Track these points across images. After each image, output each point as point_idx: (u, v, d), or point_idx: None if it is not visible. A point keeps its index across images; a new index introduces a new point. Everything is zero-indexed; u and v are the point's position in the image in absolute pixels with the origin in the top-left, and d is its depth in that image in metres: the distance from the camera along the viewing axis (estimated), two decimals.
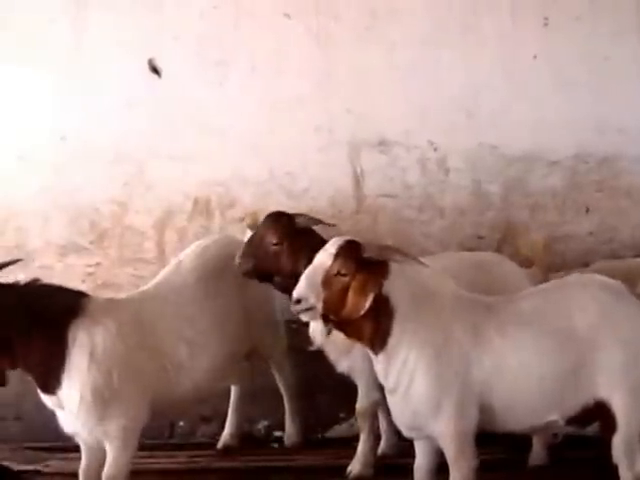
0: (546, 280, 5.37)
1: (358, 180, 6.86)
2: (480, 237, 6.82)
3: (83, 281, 6.55)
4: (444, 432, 4.64)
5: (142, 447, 5.28)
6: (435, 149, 6.86)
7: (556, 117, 6.79)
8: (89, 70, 6.78)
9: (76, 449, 5.26)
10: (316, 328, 4.71)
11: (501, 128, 6.83)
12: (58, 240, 6.75)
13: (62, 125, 6.78)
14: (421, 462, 4.84)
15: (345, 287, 4.50)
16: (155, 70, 6.80)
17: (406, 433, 4.79)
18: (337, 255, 4.51)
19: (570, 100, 6.84)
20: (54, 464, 5.99)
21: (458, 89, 6.85)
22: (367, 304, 4.47)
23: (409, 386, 4.62)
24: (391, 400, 4.73)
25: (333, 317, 4.55)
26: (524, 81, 6.85)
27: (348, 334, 4.67)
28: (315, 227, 5.63)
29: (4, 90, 6.78)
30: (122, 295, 5.59)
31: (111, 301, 5.30)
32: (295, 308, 4.54)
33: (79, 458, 5.19)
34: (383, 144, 6.85)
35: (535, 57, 6.88)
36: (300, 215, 5.67)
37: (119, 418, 5.00)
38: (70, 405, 4.96)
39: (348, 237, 4.63)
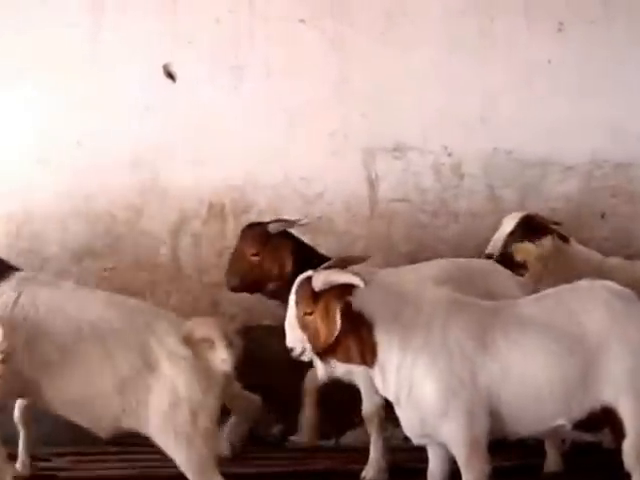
0: (536, 289, 5.35)
1: (373, 185, 6.87)
2: None
3: (98, 285, 6.54)
4: (454, 438, 4.60)
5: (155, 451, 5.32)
6: (449, 154, 6.87)
7: (571, 122, 6.81)
8: (105, 75, 6.79)
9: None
10: (318, 365, 4.83)
11: (516, 133, 6.84)
12: (74, 244, 6.75)
13: (78, 130, 6.78)
14: (434, 468, 4.81)
15: (316, 323, 4.57)
16: (170, 75, 6.82)
17: (417, 441, 4.75)
18: (296, 299, 4.61)
19: (585, 105, 6.85)
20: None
21: (472, 94, 6.85)
22: (337, 324, 4.50)
23: (409, 392, 4.61)
24: (398, 411, 4.71)
25: (322, 352, 4.63)
26: (539, 86, 6.87)
27: (341, 359, 4.71)
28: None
29: (22, 96, 6.78)
30: None
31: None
32: (292, 355, 4.69)
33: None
34: (398, 149, 6.86)
35: (550, 62, 6.89)
36: (273, 221, 5.90)
37: None
38: None
39: (303, 275, 4.65)
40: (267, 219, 6.68)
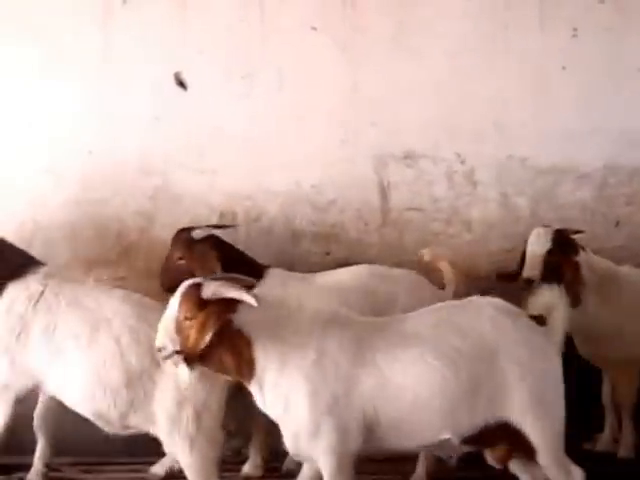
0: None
1: (384, 193, 6.83)
2: (509, 250, 6.76)
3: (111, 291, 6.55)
4: (323, 453, 4.59)
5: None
6: (462, 162, 6.82)
7: (585, 129, 6.76)
8: (115, 84, 6.78)
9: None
10: (182, 372, 4.81)
11: (529, 140, 6.79)
12: (84, 253, 6.74)
13: (89, 139, 6.78)
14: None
15: (193, 330, 4.57)
16: (181, 84, 6.81)
17: (296, 458, 4.78)
18: (180, 302, 4.59)
19: (600, 112, 6.80)
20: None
21: (486, 101, 6.81)
22: (205, 342, 4.50)
23: (286, 410, 4.61)
24: (280, 426, 4.72)
25: (192, 360, 4.60)
26: (553, 93, 6.81)
27: (217, 372, 4.74)
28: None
29: (32, 104, 6.79)
30: None
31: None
32: (159, 355, 4.69)
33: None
34: (410, 157, 6.82)
35: (564, 68, 6.84)
36: (197, 227, 6.11)
37: None
38: None
39: (193, 280, 4.68)
40: (278, 227, 6.76)
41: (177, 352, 4.57)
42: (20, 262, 5.58)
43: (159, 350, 4.62)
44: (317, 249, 6.79)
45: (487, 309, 4.74)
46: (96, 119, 6.78)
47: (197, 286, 4.59)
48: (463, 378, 4.57)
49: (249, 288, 4.66)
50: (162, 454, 5.46)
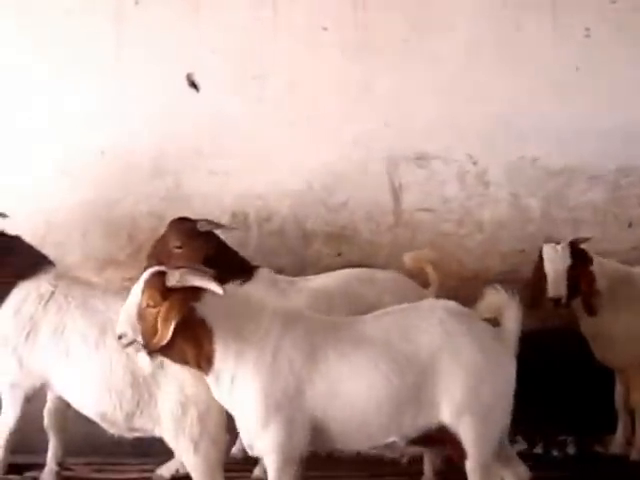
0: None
1: (396, 194, 6.83)
2: (521, 251, 6.76)
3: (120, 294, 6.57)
4: (268, 450, 4.63)
5: None
6: (474, 162, 6.82)
7: (598, 130, 6.74)
8: (128, 85, 6.81)
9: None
10: (143, 359, 4.86)
11: (541, 141, 6.79)
12: (96, 254, 6.78)
13: (102, 139, 6.81)
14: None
15: (156, 317, 4.56)
16: (193, 84, 6.82)
17: (249, 451, 4.78)
18: (144, 289, 4.59)
19: (612, 113, 6.78)
20: None
21: (498, 102, 6.80)
22: (170, 329, 4.50)
23: (239, 404, 4.64)
24: (235, 420, 4.75)
25: (153, 347, 4.60)
26: (565, 93, 6.79)
27: (174, 360, 4.74)
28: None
29: (45, 105, 6.82)
30: None
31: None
32: (119, 342, 4.69)
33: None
34: (422, 158, 6.82)
35: (577, 69, 6.83)
36: (202, 220, 6.06)
37: None
38: None
39: (156, 268, 4.69)
40: (290, 228, 6.74)
41: (140, 341, 4.59)
42: (32, 261, 5.60)
43: (120, 337, 4.63)
44: (328, 250, 6.80)
45: (438, 312, 4.74)
46: (109, 120, 6.81)
47: (161, 274, 4.60)
48: (409, 383, 4.58)
49: (214, 279, 4.64)
50: (172, 455, 5.48)
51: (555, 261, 6.00)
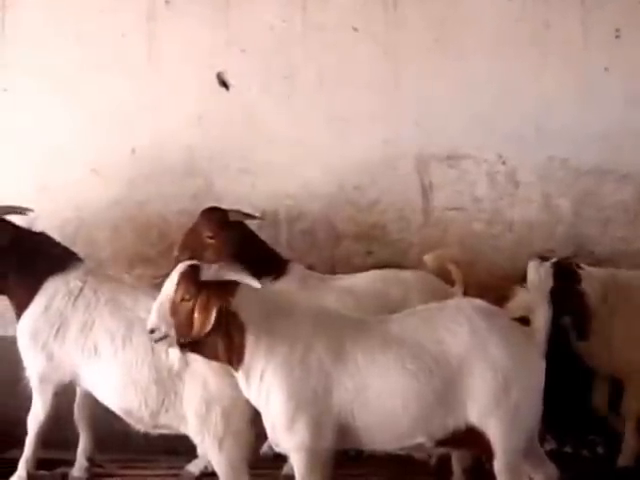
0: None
1: (426, 193, 6.82)
2: (551, 251, 6.72)
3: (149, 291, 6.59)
4: (295, 449, 4.63)
5: None
6: (504, 162, 6.80)
7: (627, 130, 6.70)
8: (159, 84, 6.85)
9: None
10: (174, 354, 4.87)
11: (571, 141, 6.75)
12: (127, 251, 6.82)
13: (133, 138, 6.85)
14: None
15: (191, 311, 4.57)
16: (224, 84, 6.85)
17: (276, 448, 4.79)
18: (178, 282, 4.59)
19: None
20: None
21: (528, 102, 6.78)
22: (211, 320, 4.52)
23: (267, 401, 4.64)
24: (262, 416, 4.75)
25: (186, 342, 4.61)
26: (595, 93, 6.76)
27: (205, 355, 4.74)
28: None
29: (77, 104, 6.86)
30: None
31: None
32: (151, 337, 4.67)
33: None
34: (452, 157, 6.81)
35: (606, 69, 6.79)
36: (233, 210, 6.11)
37: None
38: None
39: (190, 262, 4.71)
40: (320, 227, 6.74)
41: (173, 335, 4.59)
42: (61, 257, 5.65)
43: (151, 332, 4.62)
44: (358, 249, 6.80)
45: (466, 311, 4.73)
46: (139, 118, 6.85)
47: (195, 268, 4.62)
48: (437, 383, 4.58)
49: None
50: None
51: (536, 280, 5.77)
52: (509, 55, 6.78)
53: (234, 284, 4.61)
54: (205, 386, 5.08)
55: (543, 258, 5.94)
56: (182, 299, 4.57)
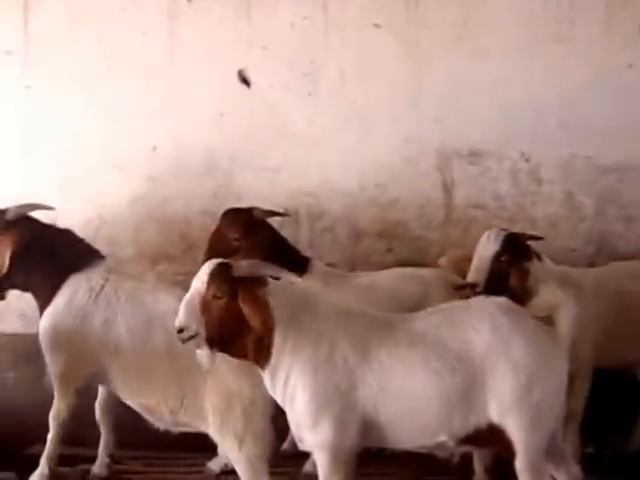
0: None
1: (448, 190, 6.81)
2: (573, 249, 6.71)
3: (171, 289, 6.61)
4: (318, 447, 4.60)
5: None
6: (527, 159, 6.78)
7: None
8: (180, 81, 6.86)
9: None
10: (202, 354, 4.73)
11: (595, 138, 6.72)
12: (149, 249, 6.82)
13: (154, 136, 6.86)
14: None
15: (222, 309, 4.50)
16: (245, 81, 6.85)
17: (300, 446, 4.75)
18: (210, 280, 4.51)
19: None
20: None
21: (551, 98, 6.75)
22: (270, 313, 4.50)
23: (292, 400, 4.60)
24: (287, 414, 4.72)
25: (217, 340, 4.54)
26: (618, 90, 6.73)
27: (233, 354, 4.67)
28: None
29: (98, 102, 6.87)
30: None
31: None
32: (179, 337, 4.55)
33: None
34: (473, 154, 6.79)
35: (630, 66, 6.76)
36: (255, 208, 6.10)
37: None
38: None
39: (219, 260, 4.63)
40: (340, 225, 6.74)
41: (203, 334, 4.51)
42: (83, 254, 5.67)
43: (180, 331, 4.51)
44: (379, 247, 6.78)
45: (490, 309, 4.69)
46: (161, 116, 6.86)
47: (226, 265, 4.56)
48: (460, 381, 4.54)
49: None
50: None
51: (483, 247, 5.69)
52: (532, 52, 6.75)
53: (265, 281, 4.57)
54: (225, 384, 5.07)
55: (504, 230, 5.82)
56: (214, 296, 4.50)
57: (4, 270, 5.55)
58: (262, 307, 4.53)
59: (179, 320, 4.52)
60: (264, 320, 4.53)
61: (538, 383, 4.55)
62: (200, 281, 4.54)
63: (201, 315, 4.50)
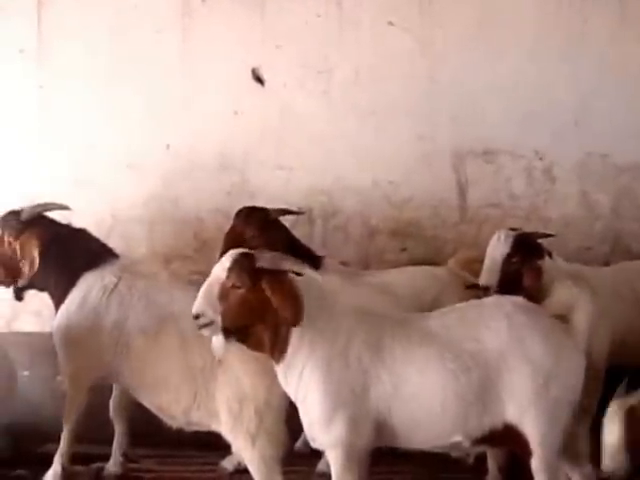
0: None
1: (462, 189, 6.79)
2: (588, 248, 6.68)
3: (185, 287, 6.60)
4: (331, 446, 4.57)
5: None
6: (541, 158, 6.76)
7: None
8: (194, 80, 6.85)
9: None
10: (217, 342, 4.68)
11: (610, 136, 6.71)
12: (162, 248, 6.82)
13: (167, 134, 6.86)
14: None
15: (241, 299, 4.47)
16: (259, 79, 6.84)
17: (312, 444, 4.73)
18: (231, 268, 4.47)
19: None
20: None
21: (565, 97, 6.74)
22: (300, 302, 4.46)
23: (305, 397, 4.58)
24: (299, 411, 4.70)
25: (233, 329, 4.51)
26: (634, 89, 6.71)
27: (249, 345, 4.63)
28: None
29: (111, 100, 6.87)
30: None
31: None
32: (196, 323, 4.52)
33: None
34: (488, 153, 6.77)
35: None
36: (272, 208, 6.15)
37: None
38: None
39: (242, 250, 4.59)
40: (354, 224, 6.73)
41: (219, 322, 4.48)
42: (97, 253, 5.67)
43: (196, 317, 4.49)
44: (393, 245, 6.77)
45: (505, 308, 4.67)
46: (174, 114, 6.85)
47: (248, 255, 4.53)
48: (475, 380, 4.52)
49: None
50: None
51: (493, 248, 5.66)
52: (547, 50, 6.74)
53: (285, 275, 4.52)
54: (238, 383, 5.05)
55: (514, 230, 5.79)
56: (233, 285, 4.47)
57: (35, 269, 5.57)
58: (295, 298, 4.49)
59: (196, 306, 4.50)
60: (296, 311, 4.48)
61: (555, 381, 4.53)
62: (221, 268, 4.51)
63: (219, 303, 4.47)
